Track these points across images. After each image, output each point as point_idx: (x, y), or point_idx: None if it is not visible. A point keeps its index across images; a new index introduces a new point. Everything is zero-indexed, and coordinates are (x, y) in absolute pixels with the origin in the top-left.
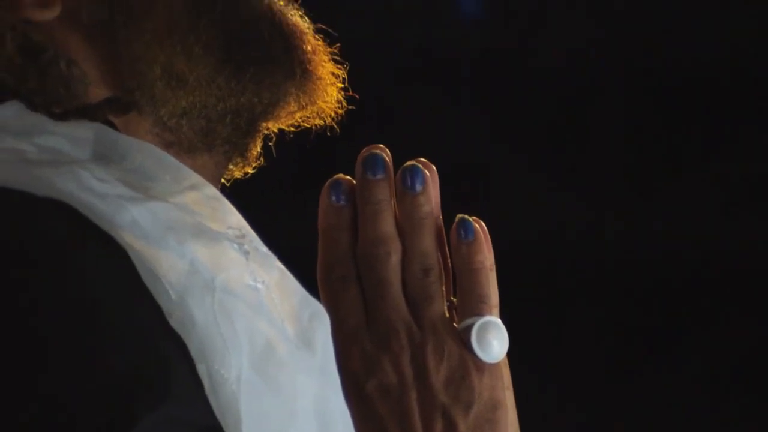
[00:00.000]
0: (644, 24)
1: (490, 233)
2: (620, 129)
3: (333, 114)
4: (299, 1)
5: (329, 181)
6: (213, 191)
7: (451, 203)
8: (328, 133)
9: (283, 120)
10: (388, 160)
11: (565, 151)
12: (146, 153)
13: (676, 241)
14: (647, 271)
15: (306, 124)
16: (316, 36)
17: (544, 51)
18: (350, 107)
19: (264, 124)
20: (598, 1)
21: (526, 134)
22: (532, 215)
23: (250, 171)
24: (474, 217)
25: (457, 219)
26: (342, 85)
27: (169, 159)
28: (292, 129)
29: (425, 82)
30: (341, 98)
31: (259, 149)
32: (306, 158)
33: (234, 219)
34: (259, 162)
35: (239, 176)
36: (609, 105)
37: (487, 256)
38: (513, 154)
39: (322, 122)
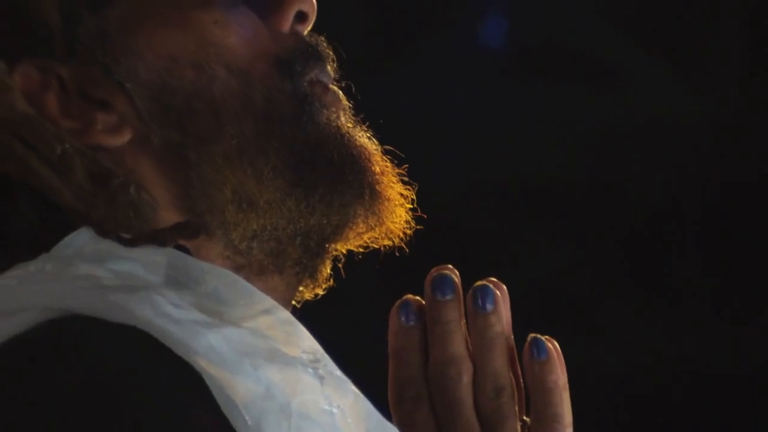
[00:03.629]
0: (725, 151)
1: (567, 355)
2: (708, 256)
3: (401, 235)
4: (367, 123)
5: (398, 302)
6: (286, 315)
7: (529, 324)
8: (397, 254)
9: (351, 241)
10: (456, 280)
11: (644, 273)
12: (219, 277)
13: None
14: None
15: (374, 245)
16: (384, 157)
17: (623, 176)
18: (419, 227)
19: (333, 245)
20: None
21: (601, 257)
22: (613, 337)
23: (321, 292)
24: (546, 336)
25: (529, 338)
26: (410, 206)
27: (242, 283)
28: (360, 250)
29: (500, 203)
30: (410, 219)
31: (329, 270)
32: (374, 278)
33: (308, 343)
34: (329, 283)
35: (309, 298)
36: (693, 233)
37: (560, 376)
38: (589, 274)
39: (390, 243)
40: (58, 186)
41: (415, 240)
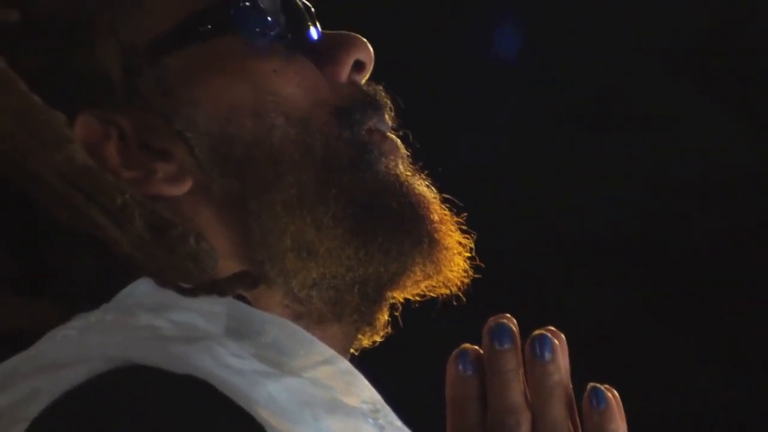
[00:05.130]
0: None
1: (626, 404)
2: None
3: (459, 284)
4: (426, 172)
5: (456, 351)
6: (346, 365)
7: (587, 373)
8: (455, 303)
9: (409, 289)
10: (514, 329)
11: (704, 323)
12: (279, 327)
13: None
14: None
15: (432, 294)
16: (443, 206)
17: (682, 225)
18: (477, 276)
19: (390, 293)
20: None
21: (661, 306)
22: (673, 386)
23: (378, 339)
24: (606, 385)
25: (588, 387)
26: (468, 255)
27: (302, 333)
28: (417, 299)
29: (558, 251)
30: (468, 268)
31: (386, 317)
32: (432, 327)
33: (368, 393)
34: (386, 330)
35: (367, 345)
36: (754, 284)
37: (620, 425)
38: (648, 324)
39: (448, 291)
40: (117, 236)
41: (472, 289)
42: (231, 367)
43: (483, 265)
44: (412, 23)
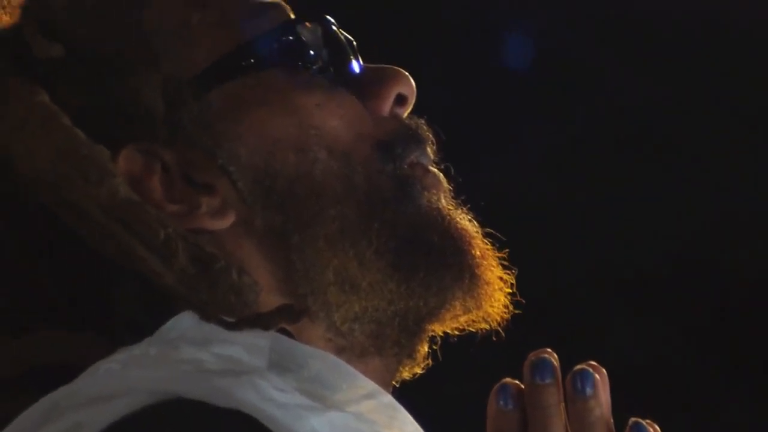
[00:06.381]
0: None
1: None
2: None
3: (500, 319)
4: (468, 206)
5: (497, 385)
6: (389, 399)
7: (629, 408)
8: (494, 338)
9: (448, 323)
10: (556, 364)
11: (745, 355)
12: (322, 361)
13: None
14: None
15: (471, 328)
16: (485, 240)
17: (724, 258)
18: (517, 311)
19: (430, 326)
20: None
21: (702, 339)
22: (714, 420)
23: (419, 371)
24: (647, 420)
25: (630, 422)
26: (509, 290)
27: (345, 367)
28: (456, 332)
29: (598, 286)
30: (509, 303)
31: (426, 349)
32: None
33: (411, 428)
34: (427, 362)
35: (408, 377)
36: None
37: None
38: (690, 357)
39: (488, 326)
40: (160, 270)
41: (513, 322)
42: (274, 400)
43: (523, 301)
44: (452, 52)
